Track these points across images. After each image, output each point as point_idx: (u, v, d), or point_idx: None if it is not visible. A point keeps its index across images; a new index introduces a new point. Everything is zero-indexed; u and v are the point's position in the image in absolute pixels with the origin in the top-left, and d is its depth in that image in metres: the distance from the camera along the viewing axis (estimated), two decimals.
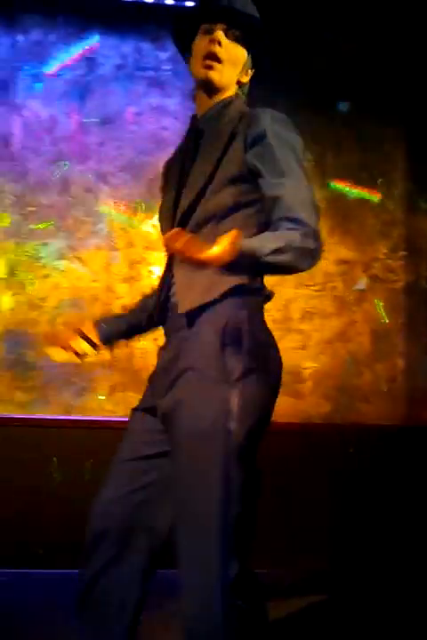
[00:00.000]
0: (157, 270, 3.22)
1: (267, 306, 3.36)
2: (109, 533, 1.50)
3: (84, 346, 1.65)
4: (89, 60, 3.32)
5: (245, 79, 1.66)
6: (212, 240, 1.33)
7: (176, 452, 1.45)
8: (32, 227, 3.22)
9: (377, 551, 3.12)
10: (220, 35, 1.55)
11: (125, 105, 3.33)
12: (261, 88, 1.78)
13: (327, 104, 3.43)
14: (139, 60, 3.38)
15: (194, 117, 1.66)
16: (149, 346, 3.03)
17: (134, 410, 1.62)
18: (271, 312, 3.28)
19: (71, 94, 3.28)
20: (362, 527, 3.16)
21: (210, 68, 1.55)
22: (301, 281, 3.30)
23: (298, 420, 3.23)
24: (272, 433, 3.10)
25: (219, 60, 1.55)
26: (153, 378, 1.61)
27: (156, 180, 3.37)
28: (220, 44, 1.55)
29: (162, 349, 1.61)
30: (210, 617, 1.37)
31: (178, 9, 3.29)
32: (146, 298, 1.76)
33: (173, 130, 3.35)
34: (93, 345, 1.67)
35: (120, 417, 2.97)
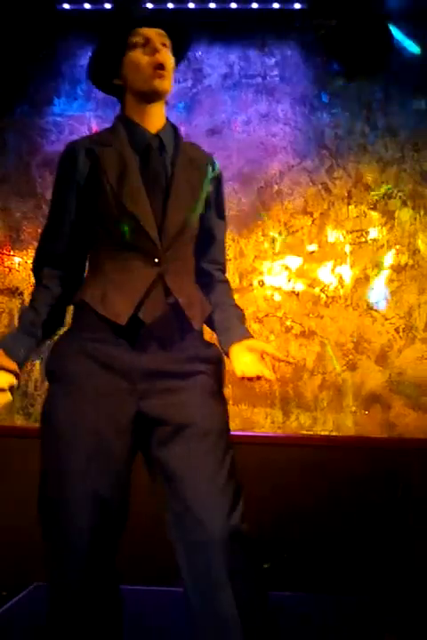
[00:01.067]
0: (268, 280, 3.13)
1: (387, 314, 3.18)
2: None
3: (6, 379, 1.56)
4: (195, 71, 3.29)
5: None
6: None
7: (194, 441, 1.59)
8: None
9: None
10: (162, 43, 1.63)
11: (233, 114, 3.27)
12: None
13: None
14: (246, 67, 3.31)
15: (133, 123, 1.69)
16: None
17: (83, 415, 1.59)
18: (393, 320, 3.11)
19: (178, 106, 3.25)
20: None
21: (162, 77, 1.62)
22: (425, 286, 3.09)
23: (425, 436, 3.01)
24: (396, 451, 2.95)
25: (166, 69, 1.63)
26: (111, 378, 1.61)
27: (266, 188, 3.34)
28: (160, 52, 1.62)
29: (117, 350, 1.61)
30: None
31: (283, 12, 3.19)
32: (37, 311, 1.71)
33: (282, 136, 3.25)
34: (15, 374, 1.57)
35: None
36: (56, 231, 1.73)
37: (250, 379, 1.63)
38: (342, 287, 3.12)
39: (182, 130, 3.18)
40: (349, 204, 3.18)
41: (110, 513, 1.59)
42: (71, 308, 1.74)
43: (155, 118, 1.70)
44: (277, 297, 3.13)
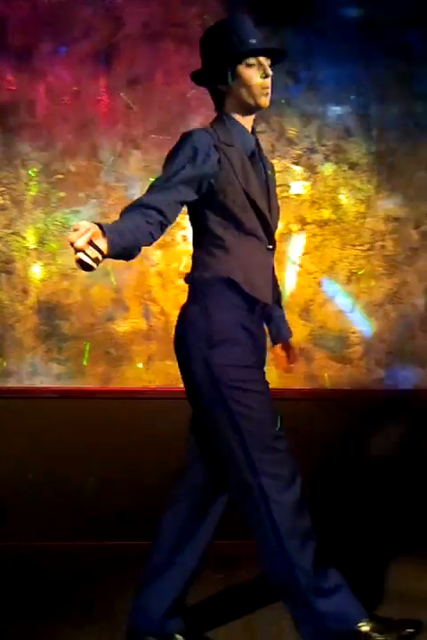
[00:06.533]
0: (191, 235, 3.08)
1: (310, 268, 3.21)
2: None
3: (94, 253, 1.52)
4: (115, 20, 3.17)
5: None
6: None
7: None
8: (61, 194, 3.11)
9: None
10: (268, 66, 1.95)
11: (154, 65, 3.17)
12: None
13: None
14: (166, 17, 3.21)
15: (243, 128, 1.98)
16: None
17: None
18: (316, 274, 3.14)
19: (97, 57, 3.13)
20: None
21: (268, 96, 1.96)
22: (346, 240, 3.14)
23: (347, 387, 3.09)
24: (321, 400, 3.02)
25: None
26: (259, 349, 1.98)
27: None
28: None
29: (256, 326, 1.96)
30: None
31: None
32: (147, 218, 1.74)
33: (204, 89, 3.17)
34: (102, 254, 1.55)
35: (158, 386, 2.91)
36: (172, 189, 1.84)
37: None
38: None
39: (102, 80, 3.13)
40: (272, 158, 3.16)
41: None
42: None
43: (251, 126, 2.02)
44: None
